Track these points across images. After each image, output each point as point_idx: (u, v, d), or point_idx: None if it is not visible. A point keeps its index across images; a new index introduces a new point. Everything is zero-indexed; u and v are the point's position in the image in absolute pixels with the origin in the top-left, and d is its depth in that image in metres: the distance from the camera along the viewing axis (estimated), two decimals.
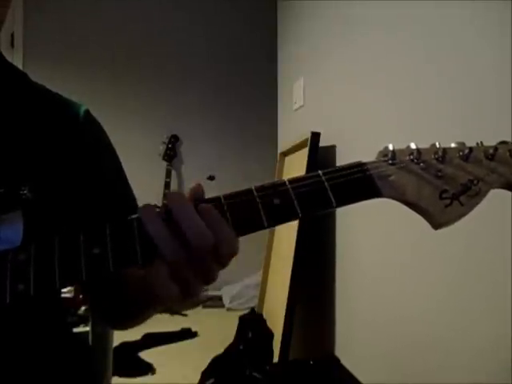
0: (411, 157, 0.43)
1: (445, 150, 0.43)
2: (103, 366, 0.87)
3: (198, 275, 0.42)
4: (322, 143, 1.71)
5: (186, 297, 0.43)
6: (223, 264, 0.42)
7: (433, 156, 0.44)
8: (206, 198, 0.43)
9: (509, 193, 0.46)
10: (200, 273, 0.42)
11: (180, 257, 0.40)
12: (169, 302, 0.43)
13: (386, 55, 1.37)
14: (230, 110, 3.44)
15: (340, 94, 1.70)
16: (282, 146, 2.24)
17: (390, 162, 0.44)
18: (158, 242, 0.39)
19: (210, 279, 0.43)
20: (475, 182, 0.42)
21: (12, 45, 2.91)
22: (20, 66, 2.82)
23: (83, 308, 1.62)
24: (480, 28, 0.97)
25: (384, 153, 0.44)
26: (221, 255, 0.41)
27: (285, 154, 2.16)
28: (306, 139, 1.74)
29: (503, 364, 0.87)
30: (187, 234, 0.39)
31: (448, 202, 0.42)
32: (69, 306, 1.60)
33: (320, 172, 0.43)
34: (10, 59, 0.70)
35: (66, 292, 1.65)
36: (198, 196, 0.42)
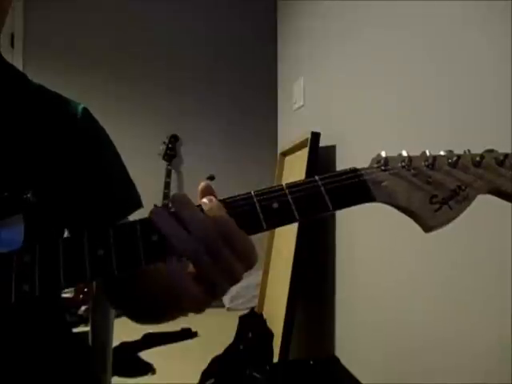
0: (403, 163, 0.46)
1: (434, 158, 0.46)
2: (103, 366, 0.87)
3: (221, 272, 0.42)
4: (322, 143, 1.71)
5: (213, 296, 0.43)
6: (244, 260, 0.42)
7: (423, 163, 0.46)
8: None
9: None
10: (222, 269, 0.41)
11: (192, 249, 0.40)
12: (194, 301, 0.43)
13: (385, 55, 1.37)
14: (230, 109, 3.44)
15: (340, 94, 1.70)
16: (282, 146, 2.24)
17: (383, 168, 0.46)
18: (168, 236, 0.40)
19: (234, 277, 0.42)
20: (463, 187, 0.45)
21: (12, 45, 2.91)
22: (20, 66, 2.83)
23: (83, 308, 1.63)
24: (480, 28, 0.97)
25: (377, 159, 0.47)
26: (236, 245, 0.41)
27: (285, 154, 2.16)
28: (306, 139, 1.74)
29: (503, 364, 0.87)
30: (192, 225, 0.40)
31: (437, 206, 0.44)
32: (69, 306, 1.60)
33: (317, 177, 0.45)
34: (9, 59, 0.70)
35: (66, 292, 1.65)
36: (208, 194, 0.43)
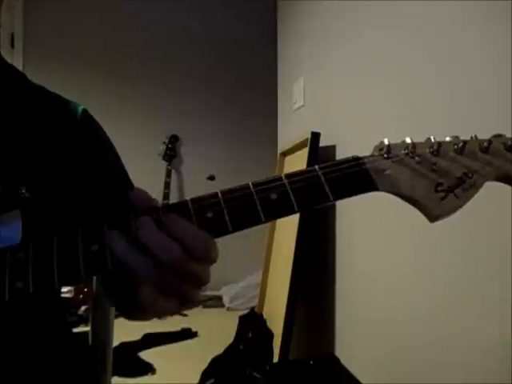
0: (406, 151, 0.44)
1: (439, 144, 0.44)
2: (103, 366, 0.87)
3: (188, 282, 0.42)
4: (322, 143, 1.71)
5: (186, 304, 0.43)
6: (209, 262, 0.42)
7: (428, 150, 0.44)
8: (204, 194, 0.43)
9: (509, 191, 0.46)
10: (188, 278, 0.42)
11: (156, 272, 0.40)
12: (166, 314, 0.43)
13: (386, 55, 1.37)
14: (230, 110, 3.44)
15: (340, 94, 1.70)
16: (282, 146, 2.24)
17: (386, 156, 0.44)
18: (128, 263, 0.40)
19: (201, 281, 0.43)
20: (470, 174, 0.43)
21: (12, 45, 2.91)
22: (20, 66, 2.83)
23: (83, 308, 1.63)
24: (480, 28, 0.97)
25: (379, 147, 0.45)
26: (197, 255, 0.41)
27: (285, 153, 2.16)
28: (306, 139, 1.74)
29: (503, 363, 0.87)
30: (154, 251, 0.39)
31: (443, 194, 0.42)
32: (69, 306, 1.60)
33: (316, 167, 0.43)
34: (9, 59, 0.70)
35: (66, 292, 1.65)
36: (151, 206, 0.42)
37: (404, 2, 1.27)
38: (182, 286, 0.42)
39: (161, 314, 0.43)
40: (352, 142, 1.59)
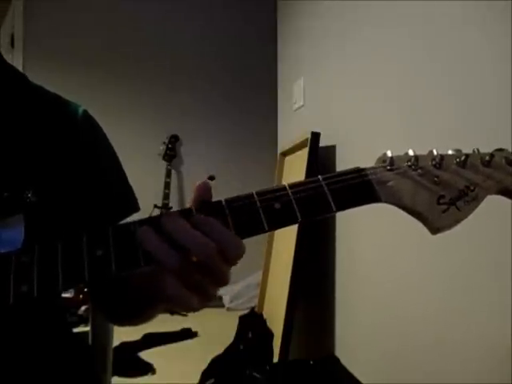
0: (409, 163, 0.44)
1: (442, 157, 0.44)
2: (103, 366, 0.87)
3: (211, 280, 0.42)
4: (322, 143, 1.71)
5: (205, 301, 0.44)
6: (233, 264, 0.43)
7: (430, 162, 0.44)
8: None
9: (509, 202, 0.46)
10: (213, 277, 0.42)
11: (185, 266, 0.40)
12: (189, 309, 0.44)
13: (386, 55, 1.37)
14: (230, 109, 3.45)
15: (340, 94, 1.70)
16: (282, 146, 2.24)
17: (389, 167, 0.44)
18: (157, 257, 0.39)
19: (224, 281, 0.43)
20: (472, 187, 0.43)
21: (12, 45, 2.91)
22: (20, 66, 2.82)
23: (83, 308, 1.63)
24: (480, 28, 0.97)
25: (382, 159, 0.45)
26: (229, 258, 0.41)
27: (285, 154, 2.16)
28: (306, 139, 1.74)
29: (503, 364, 0.87)
30: (186, 245, 0.40)
31: (445, 207, 0.43)
32: (69, 306, 1.60)
33: (320, 177, 0.44)
34: (9, 59, 0.70)
35: (66, 292, 1.65)
36: (203, 196, 0.43)
37: (404, 2, 1.27)
38: (207, 284, 0.42)
39: (185, 309, 0.43)
40: (352, 142, 1.59)
